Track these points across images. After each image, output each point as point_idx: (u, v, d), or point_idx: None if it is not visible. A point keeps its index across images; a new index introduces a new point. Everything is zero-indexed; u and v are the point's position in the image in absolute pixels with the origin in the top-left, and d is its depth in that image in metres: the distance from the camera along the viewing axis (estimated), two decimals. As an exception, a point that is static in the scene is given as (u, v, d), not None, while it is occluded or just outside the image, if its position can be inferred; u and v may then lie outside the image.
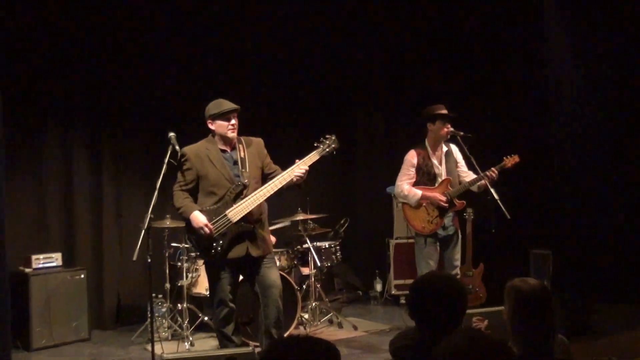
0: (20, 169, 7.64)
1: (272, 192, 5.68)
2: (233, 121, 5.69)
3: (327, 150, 5.81)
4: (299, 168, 5.63)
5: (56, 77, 7.83)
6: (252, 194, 5.61)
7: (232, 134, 5.71)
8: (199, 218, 5.51)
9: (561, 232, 8.51)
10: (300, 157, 5.73)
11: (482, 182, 6.72)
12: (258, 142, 5.94)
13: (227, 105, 5.69)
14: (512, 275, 3.45)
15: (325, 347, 2.21)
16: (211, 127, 5.72)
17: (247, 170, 5.70)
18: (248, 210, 5.56)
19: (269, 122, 8.82)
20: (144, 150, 8.23)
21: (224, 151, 5.74)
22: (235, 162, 5.73)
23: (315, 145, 5.81)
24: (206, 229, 5.48)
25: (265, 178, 5.83)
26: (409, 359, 3.15)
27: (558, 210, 8.54)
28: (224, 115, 5.66)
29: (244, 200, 5.59)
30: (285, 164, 5.73)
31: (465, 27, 9.16)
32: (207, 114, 5.72)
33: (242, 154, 5.76)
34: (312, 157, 5.76)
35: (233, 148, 5.76)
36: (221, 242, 5.55)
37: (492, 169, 6.65)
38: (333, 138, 5.85)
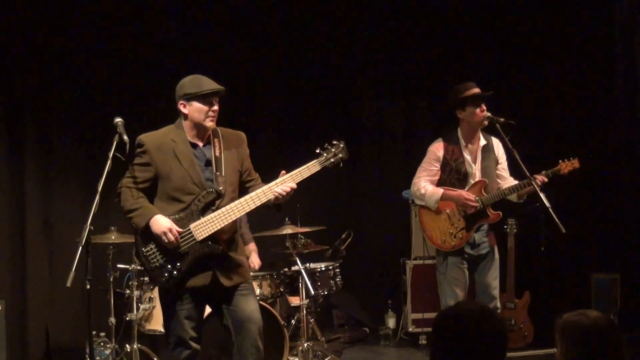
0: None
1: (253, 208, 5.59)
2: (215, 106, 5.55)
3: (332, 160, 5.66)
4: (285, 184, 5.50)
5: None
6: (228, 207, 5.51)
7: (210, 123, 5.56)
8: (160, 221, 5.36)
9: (631, 252, 8.55)
10: (292, 163, 5.65)
11: (527, 189, 6.68)
12: (239, 137, 5.82)
13: (209, 84, 5.54)
14: (568, 306, 3.44)
15: None
16: (183, 110, 5.55)
17: (223, 173, 5.59)
18: (219, 227, 5.47)
19: (255, 115, 8.90)
20: (80, 141, 8.24)
21: (194, 145, 5.60)
22: (209, 163, 5.61)
23: (317, 152, 5.68)
24: (170, 235, 5.33)
25: (242, 186, 5.76)
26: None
27: (628, 225, 8.57)
28: (205, 98, 5.50)
29: (216, 213, 5.49)
30: (275, 170, 5.65)
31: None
32: (180, 92, 5.55)
33: (217, 151, 5.62)
34: (311, 167, 5.65)
35: (207, 143, 5.64)
36: (179, 264, 5.42)
37: (542, 173, 6.61)
38: (341, 146, 5.71)
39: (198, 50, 8.93)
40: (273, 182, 5.51)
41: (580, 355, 3.22)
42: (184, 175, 5.49)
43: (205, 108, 5.49)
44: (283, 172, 5.55)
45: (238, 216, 5.55)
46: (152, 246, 5.43)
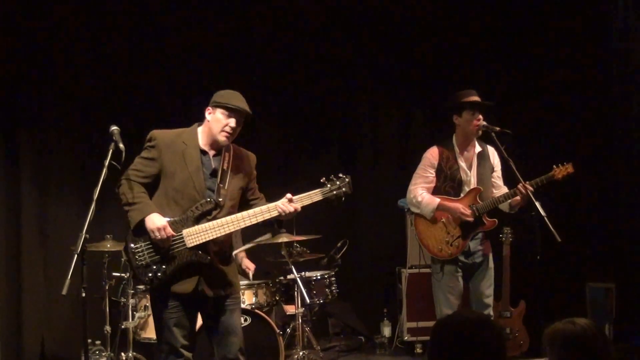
0: None
1: (248, 225, 5.59)
2: (233, 124, 5.52)
3: (335, 193, 5.65)
4: (291, 204, 5.52)
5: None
6: (224, 219, 5.50)
7: (223, 138, 5.54)
8: (156, 219, 5.35)
9: (627, 261, 8.56)
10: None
11: (516, 198, 6.70)
12: (250, 157, 5.84)
13: (239, 102, 5.56)
14: (563, 315, 3.44)
15: None
16: (207, 115, 5.58)
17: (226, 187, 5.59)
18: (211, 238, 5.46)
19: (252, 125, 8.93)
20: (76, 150, 8.26)
21: (204, 152, 5.61)
22: (214, 173, 5.60)
23: (321, 181, 5.67)
24: (163, 233, 5.32)
25: (244, 204, 5.75)
26: None
27: (623, 234, 8.59)
28: (229, 111, 5.52)
29: (210, 224, 5.48)
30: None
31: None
32: (214, 98, 5.61)
33: (225, 164, 5.62)
34: (313, 196, 5.64)
35: (217, 154, 5.65)
36: (164, 267, 5.41)
37: (534, 180, 6.63)
38: (347, 181, 5.70)
39: (193, 62, 8.94)
40: (272, 204, 5.52)
41: None
42: (187, 178, 5.49)
43: (225, 121, 5.49)
44: (289, 195, 5.54)
45: (233, 230, 5.55)
46: (142, 244, 5.43)
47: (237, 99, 5.55)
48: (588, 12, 8.98)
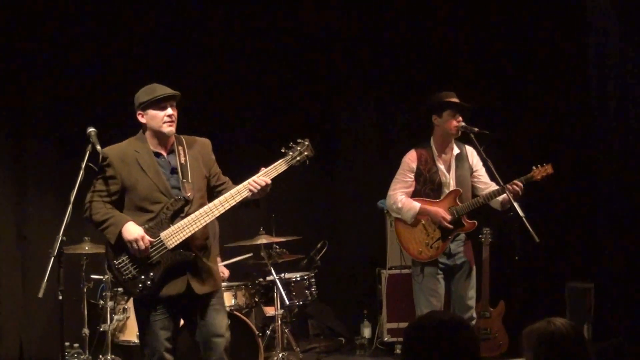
0: None
1: (223, 212, 5.57)
2: (170, 111, 5.53)
3: (298, 158, 5.72)
4: (259, 178, 5.54)
5: None
6: (198, 213, 5.48)
7: (168, 128, 5.54)
8: (132, 228, 5.33)
9: (605, 261, 8.59)
10: (266, 166, 5.66)
11: (504, 196, 6.68)
12: (203, 143, 5.82)
13: (161, 89, 5.54)
14: (542, 315, 3.44)
15: None
16: (141, 120, 5.56)
17: (190, 180, 5.57)
18: (190, 234, 5.44)
19: (225, 121, 8.90)
20: (54, 152, 8.23)
21: (158, 154, 5.59)
22: (174, 170, 5.58)
23: (282, 151, 5.72)
24: (141, 243, 5.30)
25: (211, 191, 5.75)
26: None
27: (602, 234, 8.62)
28: (158, 104, 5.50)
29: (186, 220, 5.48)
30: (246, 177, 5.65)
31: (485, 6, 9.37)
32: (137, 103, 5.55)
33: (182, 158, 5.61)
34: (278, 167, 5.67)
35: (171, 151, 5.63)
36: (152, 274, 5.39)
37: (516, 181, 6.62)
38: (306, 143, 5.80)
39: (171, 58, 8.93)
40: (241, 185, 5.53)
41: None
42: (150, 184, 5.48)
43: (161, 114, 5.49)
44: (262, 168, 5.59)
45: (209, 221, 5.54)
46: (124, 258, 5.40)
47: (159, 89, 5.55)
48: (566, 12, 9.00)
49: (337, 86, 9.98)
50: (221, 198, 5.54)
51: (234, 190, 5.55)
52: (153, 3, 8.93)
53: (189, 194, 5.49)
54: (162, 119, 5.49)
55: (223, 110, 9.14)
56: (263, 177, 5.54)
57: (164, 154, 5.59)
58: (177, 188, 5.52)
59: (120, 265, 5.41)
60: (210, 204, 5.52)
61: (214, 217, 5.57)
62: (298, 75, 9.76)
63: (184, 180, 5.54)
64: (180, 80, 8.31)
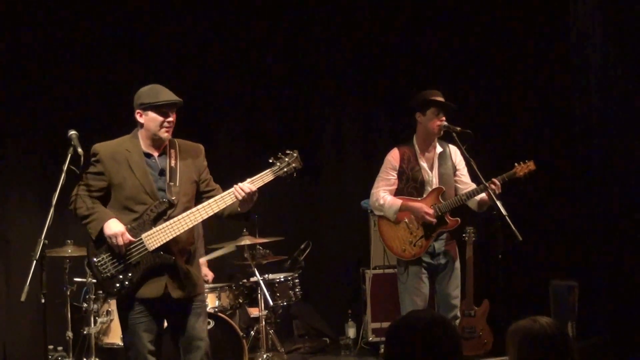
0: None
1: (205, 217, 5.55)
2: (170, 118, 5.51)
3: (285, 169, 5.67)
4: (244, 184, 5.50)
5: None
6: (180, 216, 5.46)
7: (165, 134, 5.53)
8: (113, 225, 5.32)
9: (589, 259, 8.61)
10: (251, 174, 5.63)
11: (483, 196, 6.73)
12: (196, 149, 5.80)
13: (166, 95, 5.52)
14: (526, 314, 3.45)
15: None
16: (139, 119, 5.52)
17: (177, 184, 5.55)
18: (171, 237, 5.41)
19: (216, 128, 8.90)
20: (36, 155, 8.17)
21: (148, 155, 5.56)
22: (162, 172, 5.56)
23: (270, 161, 5.69)
24: (120, 239, 5.29)
25: (200, 197, 5.71)
26: None
27: (585, 232, 8.65)
28: (160, 108, 5.48)
29: (168, 223, 5.45)
30: (230, 181, 5.62)
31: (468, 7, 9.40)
32: (137, 101, 5.52)
33: (172, 162, 5.60)
34: (264, 177, 5.63)
35: (162, 153, 5.61)
36: (130, 274, 5.37)
37: (494, 179, 6.64)
38: (295, 155, 5.73)
39: (157, 60, 8.92)
40: (226, 192, 5.51)
41: None
42: (137, 185, 5.46)
43: (161, 119, 5.45)
44: (248, 179, 5.54)
45: (191, 225, 5.50)
46: (104, 256, 5.39)
47: (164, 93, 5.53)
48: (548, 13, 9.03)
49: (321, 90, 9.97)
50: (204, 203, 5.51)
51: (219, 196, 5.53)
52: (138, 8, 8.89)
53: (173, 198, 5.47)
54: (162, 124, 5.47)
55: (207, 115, 9.11)
56: (250, 185, 5.50)
57: (155, 155, 5.57)
58: (163, 190, 5.50)
59: (99, 263, 5.39)
60: (193, 209, 5.48)
61: (196, 222, 5.53)
62: (283, 79, 9.76)
63: (171, 183, 5.52)
64: (164, 84, 8.38)
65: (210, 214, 5.53)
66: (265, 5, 9.48)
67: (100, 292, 7.21)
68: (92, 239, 5.42)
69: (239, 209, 5.57)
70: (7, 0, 8.21)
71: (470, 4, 9.40)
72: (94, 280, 6.96)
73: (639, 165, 8.33)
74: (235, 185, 5.48)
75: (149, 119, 5.48)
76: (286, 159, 5.69)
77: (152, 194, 5.47)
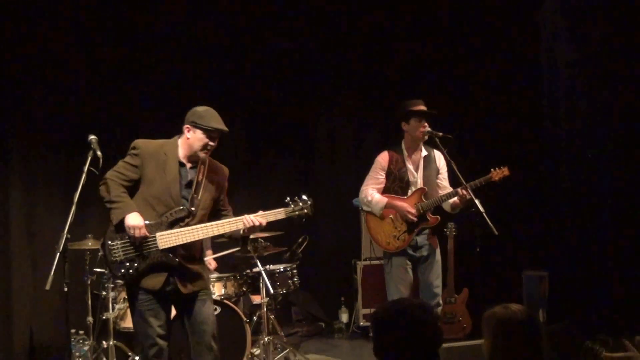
0: None
1: (215, 234, 5.63)
2: (214, 143, 5.54)
3: (297, 213, 5.72)
4: (255, 217, 5.54)
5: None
6: (194, 227, 5.49)
7: (203, 155, 5.55)
8: (135, 217, 5.33)
9: (560, 250, 8.61)
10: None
11: (455, 200, 6.77)
12: (222, 170, 5.82)
13: (218, 122, 5.54)
14: (501, 301, 3.46)
15: None
16: (187, 133, 5.52)
17: (199, 197, 5.56)
18: (181, 242, 5.44)
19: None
20: (60, 157, 8.15)
21: (182, 164, 5.58)
22: (190, 184, 5.57)
23: (285, 201, 5.74)
24: (138, 232, 5.31)
25: (214, 214, 5.75)
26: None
27: (555, 227, 8.65)
28: (209, 133, 5.50)
29: (182, 229, 5.46)
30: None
31: (447, 18, 9.38)
32: (191, 118, 5.53)
33: (200, 176, 5.61)
34: (277, 214, 5.69)
35: (193, 166, 5.62)
36: (136, 264, 5.40)
37: (475, 181, 6.67)
38: (309, 203, 5.78)
39: (168, 72, 8.89)
40: (238, 217, 5.56)
41: (503, 344, 3.24)
42: (165, 187, 5.48)
43: (206, 141, 5.48)
44: (261, 211, 5.61)
45: (202, 237, 5.55)
46: (118, 242, 5.41)
47: (216, 120, 5.52)
48: (519, 27, 9.02)
49: (316, 98, 9.98)
50: (218, 222, 5.56)
51: (232, 219, 5.58)
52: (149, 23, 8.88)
53: (193, 208, 5.50)
54: (205, 145, 5.50)
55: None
56: (260, 218, 5.55)
57: (188, 166, 5.59)
58: (186, 199, 5.52)
59: (112, 247, 5.41)
60: (208, 224, 5.53)
61: (206, 236, 5.60)
62: (281, 85, 9.75)
63: (195, 195, 5.54)
64: (170, 95, 8.40)
65: (219, 233, 5.60)
66: (267, 18, 9.43)
67: (118, 281, 7.20)
68: (111, 223, 5.43)
69: (240, 233, 5.61)
70: (38, 8, 8.14)
71: (451, 23, 9.41)
72: (101, 255, 6.92)
73: (602, 169, 8.36)
74: (246, 216, 5.52)
75: (195, 137, 5.50)
76: (300, 204, 5.75)
77: (176, 200, 5.48)
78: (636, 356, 4.26)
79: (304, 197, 5.80)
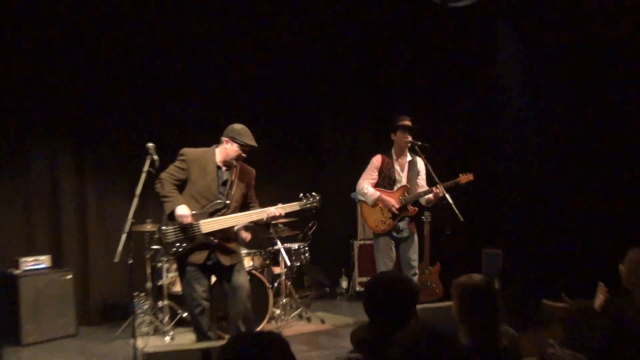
0: (6, 177, 7.60)
1: (246, 222, 5.73)
2: (245, 155, 5.62)
3: (308, 206, 5.82)
4: (277, 209, 5.62)
5: (42, 91, 7.76)
6: (229, 216, 5.55)
7: (235, 163, 5.63)
8: (183, 209, 5.38)
9: (511, 232, 8.57)
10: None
11: (429, 196, 6.78)
12: (251, 172, 5.84)
13: (250, 140, 5.59)
14: (466, 272, 3.42)
15: (275, 339, 2.22)
16: (225, 144, 5.59)
17: (232, 193, 5.61)
18: (218, 228, 5.50)
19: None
20: (125, 160, 8.09)
21: (219, 167, 5.63)
22: (225, 183, 5.64)
23: (300, 196, 5.83)
24: (185, 219, 5.37)
25: (244, 206, 5.78)
26: (367, 351, 3.13)
27: (508, 214, 8.60)
28: (243, 147, 5.57)
29: (220, 219, 5.52)
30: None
31: (427, 58, 9.34)
32: (230, 133, 5.58)
33: (233, 177, 5.65)
34: (292, 206, 5.74)
35: (228, 169, 5.66)
36: (184, 244, 5.46)
37: (439, 185, 6.64)
38: (318, 198, 5.87)
39: (206, 95, 8.80)
40: (262, 209, 5.65)
41: (467, 305, 3.22)
42: (206, 186, 5.54)
43: (239, 152, 5.58)
44: (280, 205, 5.69)
45: (234, 224, 5.62)
46: (170, 228, 5.47)
47: (249, 138, 5.60)
48: (479, 51, 8.95)
49: (322, 115, 9.95)
50: (247, 212, 5.66)
51: (258, 210, 5.67)
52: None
53: (228, 202, 5.56)
54: (238, 156, 5.59)
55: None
56: (280, 209, 5.63)
57: (223, 169, 5.65)
58: (222, 194, 5.58)
59: (166, 231, 5.47)
60: (239, 213, 5.63)
61: (238, 223, 5.67)
62: (296, 105, 9.66)
63: (229, 192, 5.61)
64: (197, 103, 8.34)
65: (248, 221, 5.70)
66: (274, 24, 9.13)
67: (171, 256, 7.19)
68: (165, 213, 5.47)
69: (264, 220, 5.66)
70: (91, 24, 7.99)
71: (428, 50, 9.36)
72: (158, 236, 6.91)
73: (543, 171, 8.32)
74: (269, 208, 5.62)
75: (232, 149, 5.58)
76: (311, 199, 5.84)
77: (214, 195, 5.55)
78: (571, 305, 4.33)
79: (314, 193, 5.89)
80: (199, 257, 5.53)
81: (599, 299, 4.33)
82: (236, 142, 5.55)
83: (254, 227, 6.34)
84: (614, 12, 7.31)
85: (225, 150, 5.60)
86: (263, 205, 5.83)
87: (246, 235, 7.35)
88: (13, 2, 7.49)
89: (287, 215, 6.04)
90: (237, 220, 5.61)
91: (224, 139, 5.62)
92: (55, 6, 7.64)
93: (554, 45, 8.18)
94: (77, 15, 7.77)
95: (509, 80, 8.44)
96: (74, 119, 7.99)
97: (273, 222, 6.09)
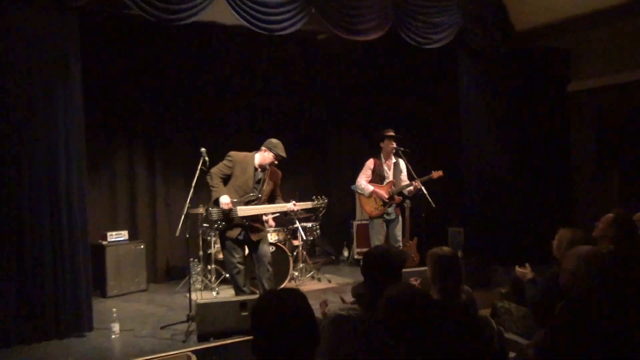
0: (97, 170, 7.65)
1: (271, 211, 5.87)
2: (276, 162, 5.70)
3: (318, 206, 5.93)
4: (295, 204, 5.71)
5: (124, 108, 7.81)
6: (260, 206, 5.63)
7: (268, 167, 5.69)
8: (225, 198, 5.46)
9: (470, 215, 8.58)
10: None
11: (410, 188, 6.78)
12: (279, 174, 5.89)
13: (282, 152, 5.63)
14: (435, 245, 3.44)
15: (296, 293, 2.25)
16: (263, 152, 5.66)
17: (263, 188, 5.69)
18: (250, 214, 5.58)
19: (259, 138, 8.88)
20: (184, 159, 8.08)
21: (255, 169, 5.69)
22: (258, 181, 5.69)
23: (313, 198, 5.93)
24: (226, 205, 5.45)
25: (271, 199, 5.84)
26: (363, 303, 3.16)
27: (468, 201, 8.61)
28: (277, 157, 5.64)
29: (252, 207, 5.60)
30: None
31: (407, 85, 9.35)
32: (268, 144, 5.65)
33: (265, 177, 5.72)
34: (306, 204, 5.86)
35: (262, 170, 5.72)
36: (224, 223, 5.55)
37: (416, 180, 6.68)
38: (326, 200, 5.95)
39: (243, 110, 8.72)
40: (284, 204, 5.76)
41: (438, 270, 3.21)
42: (244, 182, 5.61)
43: (273, 160, 5.67)
44: (293, 202, 5.75)
45: (263, 212, 5.73)
46: (214, 210, 5.56)
47: (282, 150, 5.66)
48: (445, 81, 8.90)
49: (329, 126, 9.86)
50: (273, 204, 5.76)
51: (282, 204, 5.77)
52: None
53: (260, 195, 5.63)
54: (271, 162, 5.67)
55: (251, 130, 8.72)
56: (298, 206, 5.76)
57: (259, 170, 5.70)
58: (256, 189, 5.63)
59: (211, 212, 5.57)
60: (267, 205, 5.72)
61: (266, 212, 5.79)
62: (311, 119, 9.49)
63: (261, 188, 5.68)
64: (218, 117, 8.36)
65: (273, 211, 5.87)
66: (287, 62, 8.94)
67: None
68: (212, 199, 5.54)
69: (286, 211, 5.82)
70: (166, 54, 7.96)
71: (414, 79, 9.32)
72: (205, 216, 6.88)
73: (495, 167, 8.30)
74: (288, 204, 5.71)
75: (268, 156, 5.65)
76: (320, 201, 5.93)
77: (250, 189, 5.62)
78: (525, 272, 4.29)
79: (323, 197, 5.98)
80: (234, 232, 5.61)
81: (528, 269, 4.39)
82: (272, 152, 5.63)
83: (278, 214, 6.39)
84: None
85: (263, 156, 5.67)
86: (285, 197, 5.89)
87: (271, 223, 7.40)
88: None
89: (301, 210, 6.12)
90: (265, 209, 5.70)
91: (263, 147, 5.69)
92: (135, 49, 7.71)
93: (501, 71, 8.20)
94: (150, 54, 7.84)
95: (467, 98, 8.44)
96: (147, 128, 8.06)
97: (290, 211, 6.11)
